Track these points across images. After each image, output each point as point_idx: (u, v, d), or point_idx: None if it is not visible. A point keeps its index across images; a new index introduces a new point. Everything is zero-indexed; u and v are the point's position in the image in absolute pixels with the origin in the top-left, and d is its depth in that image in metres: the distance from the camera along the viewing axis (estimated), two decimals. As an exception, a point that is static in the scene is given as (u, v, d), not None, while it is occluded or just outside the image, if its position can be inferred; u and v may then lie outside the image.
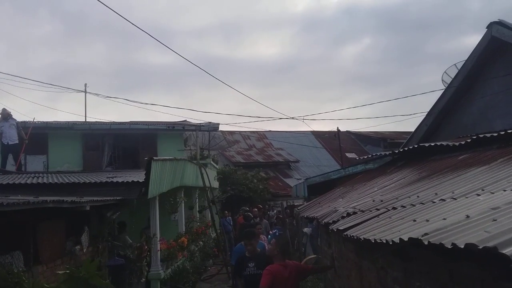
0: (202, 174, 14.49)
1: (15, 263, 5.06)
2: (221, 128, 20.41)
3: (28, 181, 9.30)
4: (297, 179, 26.89)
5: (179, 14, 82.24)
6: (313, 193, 13.51)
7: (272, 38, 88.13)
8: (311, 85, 79.65)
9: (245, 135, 32.83)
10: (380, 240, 3.04)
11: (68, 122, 17.12)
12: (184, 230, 12.74)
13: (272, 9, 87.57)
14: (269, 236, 12.48)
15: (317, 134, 34.45)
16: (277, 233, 15.46)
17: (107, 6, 7.96)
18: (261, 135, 34.04)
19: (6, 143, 12.78)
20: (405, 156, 8.49)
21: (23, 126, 13.78)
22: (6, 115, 13.08)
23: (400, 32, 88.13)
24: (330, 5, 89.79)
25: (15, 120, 13.35)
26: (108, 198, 7.56)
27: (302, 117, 23.48)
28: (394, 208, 4.10)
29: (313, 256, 9.14)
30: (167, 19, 79.28)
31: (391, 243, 2.84)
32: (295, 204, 19.26)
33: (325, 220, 5.58)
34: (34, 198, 6.28)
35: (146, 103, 43.97)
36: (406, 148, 8.31)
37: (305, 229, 12.64)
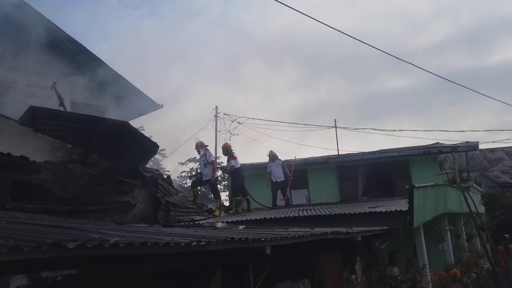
0: (466, 199, 13.26)
1: (305, 290, 5.59)
2: (480, 146, 18.48)
3: (297, 214, 10.27)
4: None
5: (414, 33, 79.78)
6: None
7: (527, 36, 75.91)
8: None
9: (510, 151, 28.71)
10: None
11: (323, 156, 18.36)
12: (453, 261, 11.79)
13: (522, 4, 75.91)
14: None
15: None
16: None
17: (351, 36, 8.35)
18: (530, 149, 29.17)
19: (275, 181, 14.49)
20: None
21: (286, 164, 15.42)
22: (273, 156, 14.91)
23: None
24: None
25: (280, 160, 15.07)
26: (376, 228, 7.66)
27: None
28: None
29: None
30: (402, 40, 77.79)
31: None
32: None
33: None
34: (310, 229, 6.87)
35: (393, 130, 43.51)
36: None
37: None
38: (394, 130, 40.46)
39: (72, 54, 14.45)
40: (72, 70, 14.16)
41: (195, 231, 5.15)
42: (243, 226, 8.67)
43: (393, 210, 8.90)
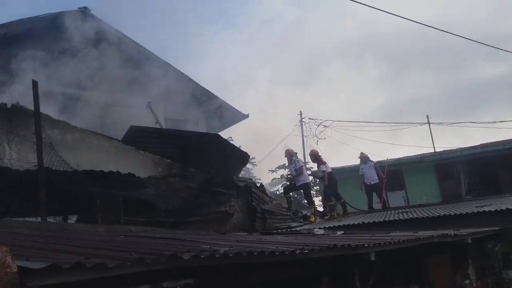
0: None
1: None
2: None
3: (396, 217, 9.84)
4: None
5: (505, 15, 73.26)
6: None
7: None
8: None
9: None
10: None
11: (419, 155, 17.51)
12: None
13: None
14: None
15: None
16: None
17: (434, 27, 7.87)
18: None
19: (368, 183, 14.05)
20: None
21: (379, 166, 14.89)
22: (365, 158, 14.49)
23: None
24: None
25: (372, 161, 14.59)
26: (487, 229, 7.09)
27: None
28: None
29: None
30: (493, 24, 71.75)
31: None
32: None
33: None
34: (414, 233, 6.54)
35: (493, 122, 39.94)
36: None
37: None
38: (494, 122, 37.32)
39: (161, 74, 15.37)
40: (162, 88, 15.04)
41: (296, 239, 5.15)
42: (341, 232, 8.53)
43: (504, 208, 8.20)
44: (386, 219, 9.86)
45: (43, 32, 12.35)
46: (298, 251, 3.64)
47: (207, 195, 8.82)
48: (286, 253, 3.51)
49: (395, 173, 16.34)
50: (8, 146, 6.31)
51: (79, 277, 2.32)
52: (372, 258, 4.40)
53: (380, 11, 8.18)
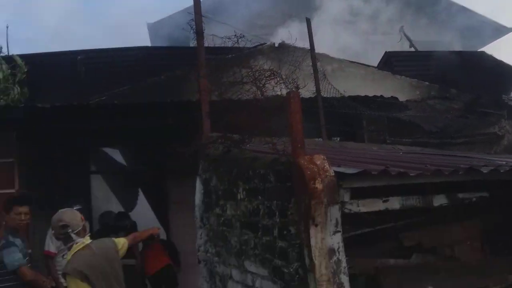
0: None
1: None
2: None
3: None
4: None
5: None
6: None
7: None
8: None
9: None
10: None
11: None
12: None
13: None
14: None
15: None
16: None
17: None
18: None
19: None
20: None
21: None
22: None
23: None
24: None
25: None
26: None
27: None
28: None
29: None
30: None
31: None
32: None
33: None
34: None
35: None
36: None
37: None
38: None
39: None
40: (412, 10, 14.20)
41: None
42: None
43: None
44: None
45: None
46: None
47: (473, 116, 8.26)
48: None
49: None
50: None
51: (385, 183, 2.61)
52: None
53: None
